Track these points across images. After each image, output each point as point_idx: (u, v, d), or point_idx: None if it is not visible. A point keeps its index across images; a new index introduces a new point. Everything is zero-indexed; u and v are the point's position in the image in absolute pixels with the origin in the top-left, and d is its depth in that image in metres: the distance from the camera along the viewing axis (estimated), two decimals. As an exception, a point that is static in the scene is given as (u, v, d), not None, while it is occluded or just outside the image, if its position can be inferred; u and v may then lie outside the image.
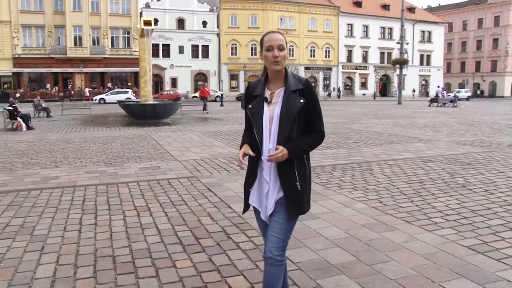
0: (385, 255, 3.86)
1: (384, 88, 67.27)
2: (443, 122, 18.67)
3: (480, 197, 5.83)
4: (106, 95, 42.46)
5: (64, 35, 46.77)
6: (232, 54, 56.53)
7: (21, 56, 45.57)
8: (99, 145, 11.50)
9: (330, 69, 62.44)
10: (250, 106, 2.51)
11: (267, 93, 2.50)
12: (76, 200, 5.84)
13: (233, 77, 57.52)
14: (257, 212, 2.64)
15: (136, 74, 44.80)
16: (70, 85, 47.66)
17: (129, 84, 49.65)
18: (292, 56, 59.54)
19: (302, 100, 2.40)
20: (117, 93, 41.94)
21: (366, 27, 64.10)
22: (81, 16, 46.55)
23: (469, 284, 3.30)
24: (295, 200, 2.46)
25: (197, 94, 46.42)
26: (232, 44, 56.47)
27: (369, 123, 17.83)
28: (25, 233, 4.53)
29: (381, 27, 65.10)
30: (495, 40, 71.69)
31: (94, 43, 48.10)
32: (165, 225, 4.76)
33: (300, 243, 4.17)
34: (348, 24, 62.79)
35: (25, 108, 20.55)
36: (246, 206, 2.68)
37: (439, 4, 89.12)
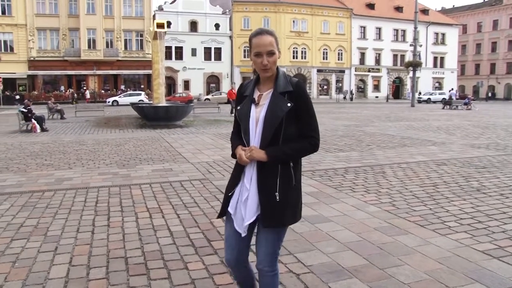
0: (398, 259, 3.83)
1: (397, 91, 66.84)
2: (457, 124, 18.48)
3: (495, 201, 5.75)
4: (119, 97, 42.80)
5: (78, 38, 47.26)
6: (244, 56, 56.59)
7: (36, 58, 46.13)
8: (112, 147, 11.59)
9: (343, 71, 62.23)
10: (238, 107, 2.42)
11: (256, 94, 2.39)
12: (89, 202, 5.89)
13: (246, 79, 57.23)
14: (229, 219, 2.43)
15: (149, 77, 45.12)
16: (84, 87, 48.12)
17: (142, 86, 50.00)
18: (305, 58, 59.55)
19: (289, 104, 2.24)
20: (130, 95, 42.27)
21: (379, 29, 63.80)
22: (95, 19, 47.01)
23: (484, 289, 3.26)
24: (271, 212, 2.27)
25: (210, 97, 46.65)
26: (245, 47, 56.45)
27: (382, 126, 17.71)
28: (39, 234, 4.58)
29: (394, 29, 64.73)
30: (511, 42, 70.80)
31: (107, 46, 48.53)
32: (177, 227, 4.77)
33: (312, 246, 4.15)
34: (361, 27, 62.56)
35: (40, 110, 20.80)
36: (223, 211, 2.48)
37: (453, 6, 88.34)
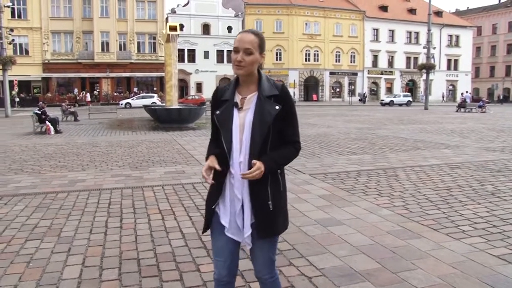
0: (411, 263, 3.79)
1: (410, 93, 66.31)
2: (471, 128, 18.28)
3: (511, 205, 5.67)
4: (132, 99, 43.12)
5: (92, 41, 47.75)
6: (257, 59, 56.61)
7: (51, 61, 46.70)
8: (124, 149, 11.67)
9: (356, 74, 61.99)
10: (217, 112, 2.23)
11: (237, 98, 2.22)
12: (102, 203, 5.93)
13: (258, 82, 57.57)
14: (217, 232, 2.31)
15: (161, 79, 45.36)
16: (98, 90, 48.60)
17: (155, 88, 50.29)
18: (317, 61, 59.46)
19: (277, 107, 2.14)
20: (143, 97, 42.53)
21: (392, 32, 63.45)
22: (108, 22, 47.46)
23: (499, 295, 3.21)
24: (265, 222, 2.20)
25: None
26: (257, 50, 56.56)
27: (394, 129, 17.59)
28: (53, 235, 4.62)
29: (407, 32, 64.32)
30: (527, 44, 69.95)
31: (120, 49, 48.95)
32: (190, 229, 4.78)
33: (324, 249, 4.13)
34: (374, 29, 62.28)
35: (54, 112, 21.03)
36: (207, 225, 2.37)
37: (468, 8, 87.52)
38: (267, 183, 2.18)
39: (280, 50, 57.19)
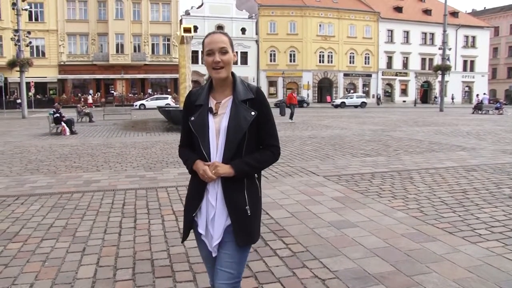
0: (426, 266, 3.75)
1: (425, 95, 65.74)
2: (488, 130, 18.03)
3: (528, 209, 5.58)
4: (146, 101, 43.37)
5: (107, 43, 48.19)
6: (270, 60, 56.70)
7: (66, 63, 47.26)
8: (139, 150, 11.75)
9: (370, 75, 61.59)
10: (192, 118, 2.15)
11: (211, 103, 2.16)
12: (116, 204, 5.98)
13: (272, 83, 57.64)
14: (200, 241, 2.24)
15: (175, 81, 45.63)
16: (113, 91, 49.03)
17: (169, 90, 50.53)
18: (331, 62, 59.20)
19: (253, 113, 2.08)
20: (157, 99, 42.75)
21: (406, 33, 62.88)
22: (123, 24, 47.87)
23: (516, 300, 3.16)
24: (245, 228, 2.11)
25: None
26: (271, 51, 56.66)
27: (409, 131, 17.43)
28: (68, 234, 4.67)
29: (422, 33, 63.70)
30: (545, 44, 68.77)
31: (135, 50, 49.31)
32: (203, 230, 4.78)
33: (338, 251, 4.10)
34: (388, 30, 61.80)
35: (69, 114, 21.27)
36: (186, 234, 2.27)
37: (484, 8, 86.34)
38: (243, 188, 2.12)
39: (294, 51, 57.10)
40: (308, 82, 55.29)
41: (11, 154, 11.14)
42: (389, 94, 63.55)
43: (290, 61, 57.12)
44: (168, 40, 50.59)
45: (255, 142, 2.16)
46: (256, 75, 56.42)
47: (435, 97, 61.86)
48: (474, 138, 14.58)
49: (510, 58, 73.50)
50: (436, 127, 19.24)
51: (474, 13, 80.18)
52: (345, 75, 60.20)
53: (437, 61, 53.29)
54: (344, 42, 59.51)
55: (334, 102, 50.35)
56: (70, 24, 47.49)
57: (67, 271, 3.71)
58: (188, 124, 2.19)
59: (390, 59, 62.63)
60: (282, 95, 53.36)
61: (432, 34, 63.76)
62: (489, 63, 70.13)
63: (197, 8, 54.42)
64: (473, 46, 66.86)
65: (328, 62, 59.26)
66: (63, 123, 16.43)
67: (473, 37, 66.98)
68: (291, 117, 23.01)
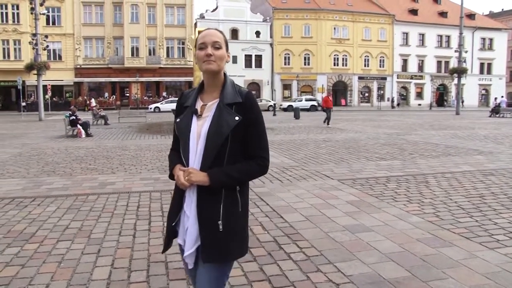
0: (442, 272, 3.69)
1: (441, 98, 65.03)
2: (506, 133, 17.74)
3: (547, 214, 5.47)
4: (161, 103, 43.70)
5: (122, 46, 48.65)
6: (285, 63, 56.69)
7: (82, 66, 47.86)
8: (153, 152, 11.82)
9: (385, 78, 61.17)
10: (178, 119, 2.06)
11: (198, 105, 2.04)
12: (131, 206, 6.01)
13: (286, 86, 57.62)
14: (181, 251, 2.14)
15: (190, 84, 45.83)
16: (127, 94, 49.49)
17: (184, 93, 50.75)
18: (346, 65, 58.93)
19: (237, 118, 1.92)
20: (172, 102, 42.99)
21: (422, 36, 62.34)
22: (138, 28, 48.29)
23: (535, 307, 3.09)
24: (213, 244, 1.93)
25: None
26: (285, 54, 56.64)
27: (425, 134, 17.25)
28: (83, 236, 4.71)
29: (438, 35, 63.08)
30: None
31: (150, 54, 49.70)
32: (216, 233, 4.78)
33: (353, 256, 4.07)
34: (403, 33, 61.34)
35: (85, 116, 21.51)
36: (166, 243, 2.18)
37: (502, 9, 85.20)
38: (220, 200, 1.95)
39: (309, 54, 57.01)
40: (322, 85, 55.08)
41: (29, 156, 11.30)
42: (404, 97, 63.03)
43: (305, 64, 57.05)
44: (183, 43, 50.90)
45: (241, 152, 1.99)
46: (271, 78, 56.46)
47: (445, 100, 61.30)
48: (492, 142, 14.37)
49: (528, 61, 72.38)
50: (452, 131, 19.01)
51: (492, 15, 79.18)
52: (360, 78, 59.87)
53: (453, 64, 52.78)
54: (359, 45, 59.22)
55: (281, 105, 47.21)
56: (86, 28, 48.09)
57: (82, 272, 3.74)
58: (174, 126, 2.12)
59: (405, 62, 62.12)
60: (296, 95, 53.15)
61: (448, 37, 63.11)
62: (507, 66, 69.09)
63: (212, 11, 54.73)
64: (490, 48, 65.97)
65: (343, 65, 59.01)
66: (79, 126, 16.62)
67: (490, 39, 66.10)
68: (328, 122, 21.80)
